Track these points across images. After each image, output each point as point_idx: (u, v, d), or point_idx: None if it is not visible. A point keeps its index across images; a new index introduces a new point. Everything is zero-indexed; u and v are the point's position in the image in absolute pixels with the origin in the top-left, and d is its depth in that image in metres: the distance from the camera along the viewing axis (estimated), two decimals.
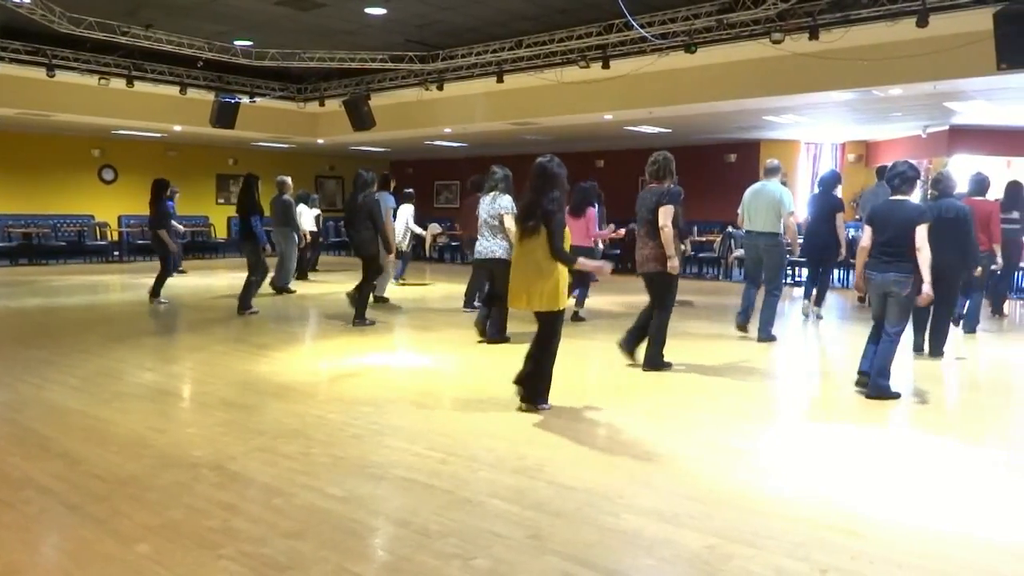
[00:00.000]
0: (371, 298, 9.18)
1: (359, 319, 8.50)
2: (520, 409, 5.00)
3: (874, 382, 5.44)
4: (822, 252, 9.06)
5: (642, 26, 9.50)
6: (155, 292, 10.19)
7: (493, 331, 7.51)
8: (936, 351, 7.08)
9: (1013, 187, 9.57)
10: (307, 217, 13.14)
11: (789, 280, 13.88)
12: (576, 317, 8.82)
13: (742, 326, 7.97)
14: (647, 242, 6.19)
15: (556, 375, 5.19)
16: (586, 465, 4.01)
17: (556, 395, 5.36)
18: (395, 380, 6.04)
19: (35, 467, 3.92)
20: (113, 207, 17.90)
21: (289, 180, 11.71)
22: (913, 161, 6.06)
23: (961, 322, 8.38)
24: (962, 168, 12.18)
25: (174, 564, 2.88)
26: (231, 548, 3.00)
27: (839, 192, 9.38)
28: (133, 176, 18.24)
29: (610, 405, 5.27)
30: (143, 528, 3.19)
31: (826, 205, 8.95)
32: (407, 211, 12.18)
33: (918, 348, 7.17)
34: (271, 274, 10.59)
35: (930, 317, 6.99)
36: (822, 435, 4.70)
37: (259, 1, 9.88)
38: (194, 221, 18.54)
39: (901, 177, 5.53)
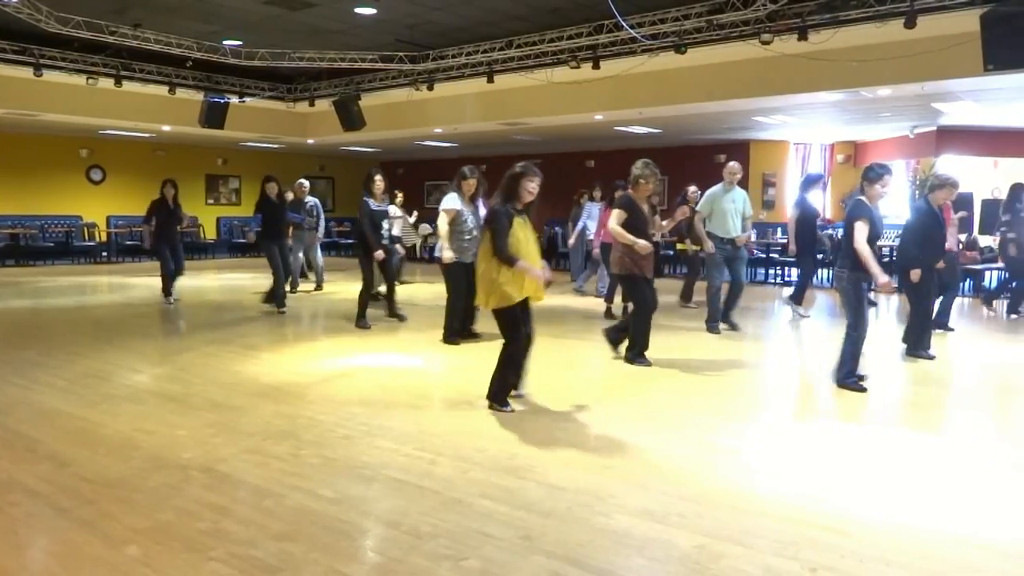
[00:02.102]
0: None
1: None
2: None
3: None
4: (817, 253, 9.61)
5: (632, 26, 9.51)
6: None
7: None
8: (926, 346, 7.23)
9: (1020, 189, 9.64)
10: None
11: (776, 280, 14.00)
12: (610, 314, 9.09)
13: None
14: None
15: (544, 374, 5.45)
16: (576, 465, 4.01)
17: (545, 395, 5.38)
18: (385, 381, 6.02)
19: (23, 470, 3.89)
20: (101, 207, 17.80)
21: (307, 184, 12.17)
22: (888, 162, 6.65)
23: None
24: (950, 168, 12.26)
25: (163, 566, 2.87)
26: (221, 550, 2.99)
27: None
28: (121, 176, 18.15)
29: (600, 404, 5.28)
30: (132, 531, 3.17)
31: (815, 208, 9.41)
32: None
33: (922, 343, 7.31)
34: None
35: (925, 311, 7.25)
36: (812, 434, 4.73)
37: (248, 0, 9.85)
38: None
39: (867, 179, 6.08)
